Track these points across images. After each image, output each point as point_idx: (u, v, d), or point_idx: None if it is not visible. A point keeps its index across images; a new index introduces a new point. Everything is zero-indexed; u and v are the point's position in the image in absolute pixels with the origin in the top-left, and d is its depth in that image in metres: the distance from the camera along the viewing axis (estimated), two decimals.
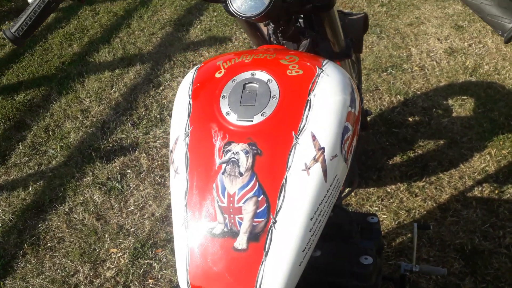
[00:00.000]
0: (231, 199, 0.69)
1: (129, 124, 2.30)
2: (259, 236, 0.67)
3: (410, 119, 2.17)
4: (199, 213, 0.70)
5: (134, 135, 2.24)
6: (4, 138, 2.33)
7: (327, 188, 0.70)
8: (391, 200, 1.78)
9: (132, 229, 1.79)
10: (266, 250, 0.67)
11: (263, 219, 0.67)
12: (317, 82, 0.73)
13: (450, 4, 2.92)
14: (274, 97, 0.72)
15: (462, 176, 1.85)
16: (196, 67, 0.83)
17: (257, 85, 0.73)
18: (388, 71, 2.46)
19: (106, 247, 1.73)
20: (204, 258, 0.69)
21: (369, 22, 2.84)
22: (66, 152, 2.20)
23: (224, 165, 0.70)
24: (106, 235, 1.77)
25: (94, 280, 1.63)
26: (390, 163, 1.96)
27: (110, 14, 3.25)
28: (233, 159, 0.70)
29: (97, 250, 1.72)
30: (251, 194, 0.68)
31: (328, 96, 0.72)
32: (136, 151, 2.14)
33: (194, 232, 0.70)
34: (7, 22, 3.28)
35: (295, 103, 0.71)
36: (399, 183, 1.85)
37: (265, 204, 0.68)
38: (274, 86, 0.73)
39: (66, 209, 1.90)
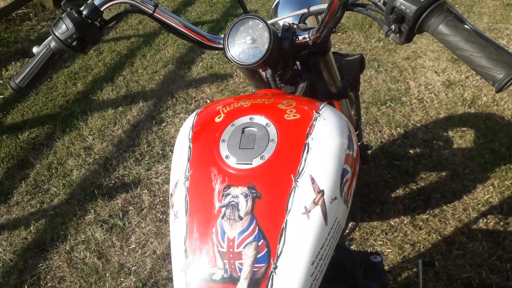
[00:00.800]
0: (231, 243, 0.68)
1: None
2: (260, 282, 0.66)
3: (411, 151, 2.18)
4: (198, 259, 0.69)
5: (136, 171, 2.24)
6: (7, 177, 2.34)
7: (327, 231, 0.69)
8: (395, 234, 1.76)
9: (133, 268, 1.76)
10: None
11: (263, 265, 0.66)
12: (314, 125, 0.74)
13: None
14: (272, 141, 0.73)
15: (466, 208, 1.84)
16: (196, 111, 0.85)
17: (255, 129, 0.75)
18: (387, 104, 2.49)
19: (107, 287, 1.70)
20: None
21: (367, 57, 2.91)
22: (68, 190, 2.20)
23: (223, 209, 0.69)
24: (107, 274, 1.74)
25: None
26: (393, 196, 1.95)
27: (113, 53, 3.34)
28: (232, 202, 0.70)
29: None
30: (251, 238, 0.67)
31: (325, 139, 0.73)
32: (138, 187, 2.14)
33: (193, 278, 0.69)
34: (13, 62, 3.36)
35: (293, 146, 0.72)
36: (402, 216, 1.83)
37: (266, 249, 0.67)
38: (272, 130, 0.74)
39: (67, 248, 1.89)
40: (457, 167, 2.03)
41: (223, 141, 0.75)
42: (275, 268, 0.66)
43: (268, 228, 0.67)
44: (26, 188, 2.24)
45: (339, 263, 0.89)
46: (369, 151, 2.12)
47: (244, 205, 0.69)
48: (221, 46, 0.89)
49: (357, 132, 1.47)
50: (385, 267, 1.06)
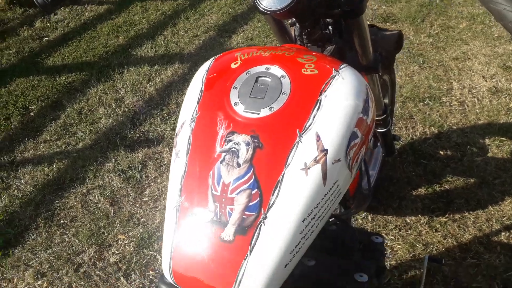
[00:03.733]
0: (225, 188, 0.67)
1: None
2: (247, 230, 0.65)
3: (441, 152, 2.09)
4: (191, 199, 0.69)
5: (161, 129, 2.27)
6: (39, 115, 2.42)
7: (324, 192, 0.67)
8: (409, 232, 1.70)
9: (142, 219, 1.79)
10: (252, 245, 0.65)
11: (253, 213, 0.65)
12: (330, 83, 0.71)
13: (501, 44, 2.82)
14: (284, 93, 0.71)
15: (489, 218, 1.75)
16: (215, 56, 0.83)
17: (269, 79, 0.73)
18: (425, 102, 2.39)
19: (114, 233, 1.74)
20: (189, 245, 0.68)
21: (413, 51, 2.79)
22: (94, 136, 2.25)
23: (223, 154, 0.69)
24: (117, 221, 1.78)
25: (97, 262, 1.63)
26: (414, 194, 1.88)
27: (159, 12, 3.35)
28: (233, 149, 0.69)
29: (106, 234, 1.74)
30: (245, 186, 0.67)
31: (339, 98, 0.70)
32: (160, 145, 2.17)
33: (183, 217, 0.69)
34: (62, 8, 3.44)
35: (304, 101, 0.70)
36: (420, 215, 1.77)
37: (258, 199, 0.66)
38: (286, 82, 0.72)
39: (84, 190, 1.94)
40: (488, 176, 1.93)
41: (235, 87, 0.73)
42: (265, 218, 0.65)
43: (264, 179, 0.66)
44: (55, 128, 2.31)
45: (338, 236, 0.87)
46: (396, 144, 2.05)
47: (244, 153, 0.68)
48: None
49: (384, 116, 1.40)
50: (386, 252, 1.02)
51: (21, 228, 1.79)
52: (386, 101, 1.78)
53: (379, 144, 1.60)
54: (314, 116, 0.69)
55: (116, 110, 2.43)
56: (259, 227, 0.65)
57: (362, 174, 1.01)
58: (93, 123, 2.34)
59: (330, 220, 0.91)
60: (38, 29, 3.23)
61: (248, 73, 0.74)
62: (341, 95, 0.71)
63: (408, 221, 1.75)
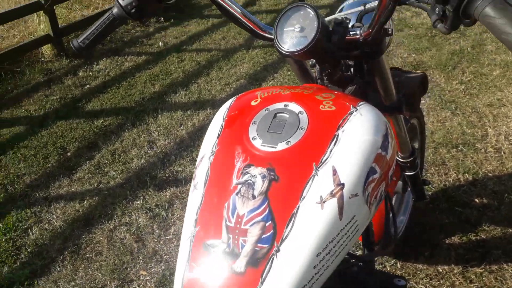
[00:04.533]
0: (239, 220, 0.67)
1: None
2: (259, 262, 0.64)
3: (477, 200, 1.99)
4: (206, 230, 0.69)
5: (190, 169, 2.31)
6: (75, 155, 2.53)
7: (341, 227, 0.65)
8: (441, 281, 1.60)
9: (165, 256, 1.78)
10: (263, 277, 0.63)
11: (266, 246, 0.64)
12: (348, 119, 0.72)
13: None
14: (302, 128, 0.72)
15: None
16: (237, 95, 0.86)
17: (287, 115, 0.74)
18: (459, 148, 2.32)
19: (137, 268, 1.73)
20: (200, 275, 0.67)
21: (445, 98, 2.76)
22: (125, 175, 2.32)
23: (240, 186, 0.69)
24: (140, 257, 1.78)
25: None
26: (447, 242, 1.78)
27: (193, 63, 3.53)
28: (249, 181, 0.69)
29: (128, 270, 1.73)
30: (259, 218, 0.66)
31: (357, 134, 0.70)
32: (188, 184, 2.19)
33: (197, 248, 0.68)
34: (105, 58, 3.69)
35: (322, 135, 0.70)
36: (453, 265, 1.66)
37: (272, 231, 0.65)
38: (304, 118, 0.73)
39: (111, 226, 1.97)
40: None
41: (254, 123, 0.75)
42: (277, 251, 0.64)
43: (279, 211, 0.65)
44: (89, 167, 2.40)
45: (358, 277, 0.83)
46: (428, 189, 1.98)
47: (260, 185, 0.68)
48: (272, 36, 0.89)
49: (412, 158, 1.37)
50: None
51: (48, 260, 1.82)
52: (416, 145, 1.74)
53: (409, 189, 1.55)
54: (331, 150, 0.68)
55: (148, 151, 2.51)
56: (271, 259, 0.63)
57: (387, 216, 0.98)
58: (125, 163, 2.41)
59: (352, 261, 0.88)
60: (81, 78, 3.46)
61: (267, 110, 0.76)
62: (359, 130, 0.71)
63: (440, 270, 1.64)
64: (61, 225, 2.01)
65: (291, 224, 0.64)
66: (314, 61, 0.88)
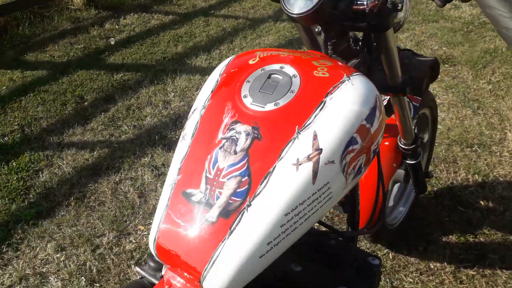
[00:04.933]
0: (218, 172, 0.69)
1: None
2: (230, 214, 0.66)
3: (482, 202, 1.96)
4: (187, 178, 0.71)
5: None
6: (92, 105, 2.57)
7: (313, 191, 0.67)
8: (431, 278, 1.60)
9: None
10: (231, 229, 0.65)
11: (239, 199, 0.67)
12: (339, 87, 0.72)
13: None
14: (292, 91, 0.73)
15: None
16: (237, 53, 0.86)
17: (281, 77, 0.75)
18: (473, 148, 2.27)
19: (136, 223, 1.79)
20: (175, 221, 0.70)
21: (469, 95, 2.69)
22: (137, 131, 2.36)
23: (224, 140, 0.71)
24: (141, 212, 1.84)
25: (114, 247, 1.69)
26: (443, 240, 1.77)
27: (219, 28, 3.49)
28: (233, 137, 0.71)
29: (127, 223, 1.79)
30: (237, 173, 0.68)
31: (344, 102, 0.71)
32: None
33: (176, 195, 0.71)
34: (132, 14, 3.68)
35: (309, 100, 0.71)
36: (446, 263, 1.66)
37: (246, 186, 0.67)
38: (296, 81, 0.74)
39: (117, 179, 2.02)
40: None
41: (248, 81, 0.76)
42: (249, 206, 0.66)
43: (256, 168, 0.67)
44: (104, 119, 2.45)
45: (332, 249, 0.84)
46: (431, 183, 1.96)
47: (243, 142, 0.70)
48: None
49: (413, 146, 1.35)
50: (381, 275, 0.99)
51: (54, 203, 1.90)
52: (426, 136, 1.71)
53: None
54: (315, 116, 0.70)
55: (162, 111, 2.53)
56: (242, 213, 0.66)
57: (377, 198, 0.98)
58: (139, 120, 2.45)
59: (332, 235, 0.89)
60: (106, 30, 3.47)
61: (263, 70, 0.77)
62: (347, 99, 0.71)
63: (432, 266, 1.65)
64: (70, 171, 2.07)
65: (265, 182, 0.67)
66: (320, 28, 0.87)
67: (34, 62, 3.03)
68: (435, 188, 2.00)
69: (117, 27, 3.51)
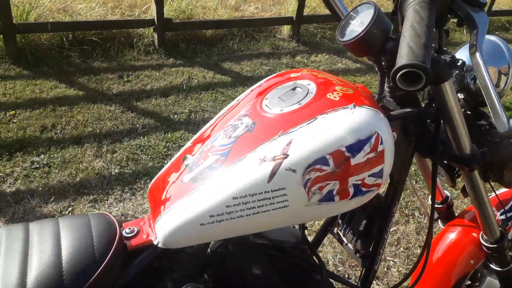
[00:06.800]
0: (211, 148, 0.81)
1: None
2: (197, 181, 0.77)
3: None
4: (193, 147, 0.86)
5: None
6: None
7: (265, 189, 0.71)
8: None
9: None
10: (191, 192, 0.76)
11: (209, 172, 0.77)
12: (337, 110, 0.75)
13: None
14: (299, 103, 0.78)
15: None
16: (294, 70, 0.96)
17: (301, 91, 0.81)
18: None
19: None
20: (166, 175, 0.85)
21: None
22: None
23: (229, 126, 0.83)
24: None
25: None
26: None
27: None
28: (236, 125, 0.82)
29: None
30: (220, 152, 0.79)
31: (332, 123, 0.73)
32: None
33: (180, 157, 0.86)
34: None
35: (306, 114, 0.76)
36: None
37: (219, 164, 0.76)
38: (309, 97, 0.79)
39: None
40: None
41: (277, 88, 0.86)
42: (209, 179, 0.76)
43: (234, 153, 0.77)
44: None
45: (302, 264, 0.87)
46: None
47: (240, 131, 0.80)
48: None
49: (499, 245, 1.10)
50: None
51: None
52: None
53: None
54: (300, 127, 0.74)
55: None
56: (203, 182, 0.76)
57: (418, 261, 0.95)
58: None
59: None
60: (295, 61, 3.87)
61: (294, 83, 0.85)
62: (336, 122, 0.73)
63: None
64: None
65: (232, 165, 0.75)
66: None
67: (226, 70, 3.62)
68: None
69: (305, 61, 3.88)
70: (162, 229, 0.76)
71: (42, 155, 2.38)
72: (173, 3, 4.11)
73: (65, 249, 0.75)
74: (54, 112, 2.77)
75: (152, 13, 3.71)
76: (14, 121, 2.64)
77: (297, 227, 1.02)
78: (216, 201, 0.73)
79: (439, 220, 1.35)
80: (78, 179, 2.22)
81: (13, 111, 2.72)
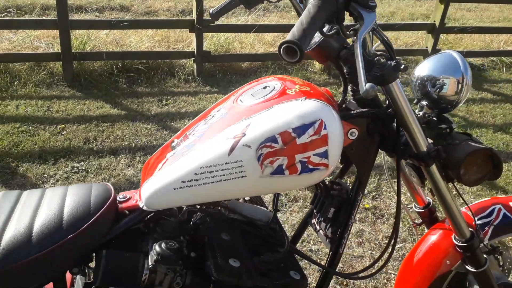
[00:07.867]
0: (193, 133, 1.01)
1: None
2: (176, 156, 0.96)
3: None
4: (181, 133, 1.07)
5: None
6: None
7: (226, 161, 0.88)
8: None
9: None
10: (168, 165, 0.95)
11: (186, 149, 0.95)
12: (290, 101, 0.92)
13: None
14: (264, 97, 0.97)
15: None
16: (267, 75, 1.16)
17: (269, 88, 0.99)
18: None
19: None
20: (155, 156, 1.05)
21: None
22: None
23: (209, 116, 1.03)
24: None
25: None
26: None
27: None
28: (214, 115, 1.02)
29: None
30: (198, 134, 0.98)
31: (283, 111, 0.90)
32: None
33: (170, 142, 1.06)
34: None
35: (266, 105, 0.94)
36: None
37: (194, 143, 0.95)
38: (273, 93, 0.97)
39: None
40: None
41: (252, 88, 1.04)
42: (186, 154, 0.94)
43: (207, 134, 0.96)
44: None
45: (272, 261, 0.99)
46: None
47: (215, 118, 1.00)
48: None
49: (470, 243, 1.15)
50: None
51: None
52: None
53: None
54: (260, 114, 0.92)
55: None
56: (181, 155, 0.94)
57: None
58: None
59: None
60: None
61: (266, 83, 1.03)
62: (287, 110, 0.90)
63: None
64: None
65: (205, 144, 0.93)
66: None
67: None
68: None
69: (334, 92, 4.03)
70: (144, 193, 0.93)
71: (82, 162, 2.67)
72: (213, 38, 4.47)
73: (67, 204, 0.95)
74: (97, 127, 3.09)
75: (193, 46, 4.06)
76: (63, 133, 2.98)
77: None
78: (187, 170, 0.90)
79: (423, 225, 1.41)
80: (110, 182, 2.45)
81: (63, 125, 3.08)
